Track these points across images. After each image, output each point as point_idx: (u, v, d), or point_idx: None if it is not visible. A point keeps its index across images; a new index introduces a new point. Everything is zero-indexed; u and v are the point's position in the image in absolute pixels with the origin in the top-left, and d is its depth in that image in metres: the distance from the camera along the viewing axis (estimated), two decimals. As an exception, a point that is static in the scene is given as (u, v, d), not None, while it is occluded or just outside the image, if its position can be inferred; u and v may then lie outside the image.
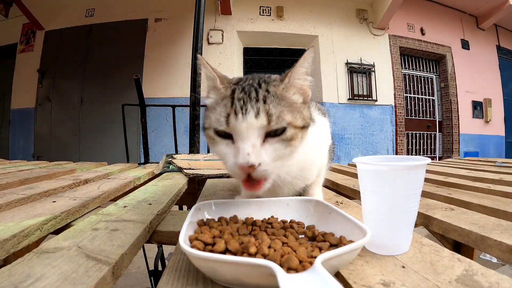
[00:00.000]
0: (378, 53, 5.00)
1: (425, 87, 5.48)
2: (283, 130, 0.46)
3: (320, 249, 0.35)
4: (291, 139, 0.47)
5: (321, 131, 0.66)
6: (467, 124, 5.45)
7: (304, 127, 0.50)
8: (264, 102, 0.46)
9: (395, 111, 4.99)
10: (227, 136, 0.47)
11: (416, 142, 5.36)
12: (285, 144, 0.47)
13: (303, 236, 0.43)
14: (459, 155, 5.29)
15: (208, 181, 1.05)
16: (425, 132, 5.43)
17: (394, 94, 5.00)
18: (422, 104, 5.44)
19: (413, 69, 5.44)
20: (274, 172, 0.48)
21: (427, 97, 5.48)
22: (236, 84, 0.51)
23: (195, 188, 1.16)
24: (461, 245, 0.72)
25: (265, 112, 0.45)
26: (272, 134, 0.46)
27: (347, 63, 4.86)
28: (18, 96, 4.96)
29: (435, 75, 5.59)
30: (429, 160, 0.41)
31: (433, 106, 5.51)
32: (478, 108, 5.59)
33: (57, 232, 0.52)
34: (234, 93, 0.48)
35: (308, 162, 0.60)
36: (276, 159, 0.47)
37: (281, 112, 0.46)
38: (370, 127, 4.90)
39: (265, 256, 0.32)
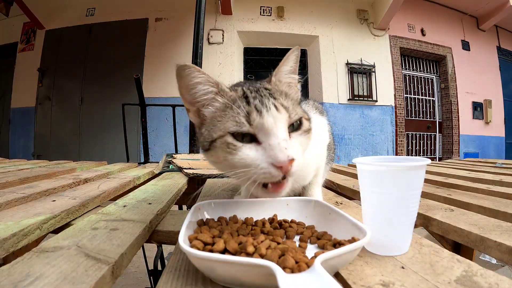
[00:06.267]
0: (379, 54, 5.00)
1: (425, 88, 5.49)
2: (300, 123, 0.47)
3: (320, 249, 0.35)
4: (308, 130, 0.48)
5: (318, 130, 0.64)
6: (467, 125, 5.45)
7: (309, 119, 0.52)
8: (275, 98, 0.46)
9: (395, 111, 4.99)
10: (248, 139, 0.43)
11: (416, 142, 5.36)
12: (306, 136, 0.47)
13: (302, 235, 0.43)
14: (459, 156, 5.29)
15: (208, 181, 1.05)
16: (425, 133, 5.43)
17: (394, 95, 5.01)
18: (422, 105, 5.44)
19: (413, 69, 5.44)
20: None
21: (427, 97, 5.48)
22: (238, 87, 0.50)
23: (195, 188, 1.16)
24: (460, 246, 0.72)
25: (282, 106, 0.45)
26: (293, 128, 0.46)
27: (347, 64, 4.86)
28: (18, 95, 4.96)
29: (436, 75, 5.59)
30: (429, 161, 0.41)
31: (433, 107, 5.51)
32: (478, 109, 5.59)
33: (56, 231, 0.52)
34: (245, 93, 0.47)
35: (305, 162, 0.59)
36: (302, 153, 0.46)
37: (292, 105, 0.47)
38: (370, 128, 4.90)
39: (262, 256, 0.32)
